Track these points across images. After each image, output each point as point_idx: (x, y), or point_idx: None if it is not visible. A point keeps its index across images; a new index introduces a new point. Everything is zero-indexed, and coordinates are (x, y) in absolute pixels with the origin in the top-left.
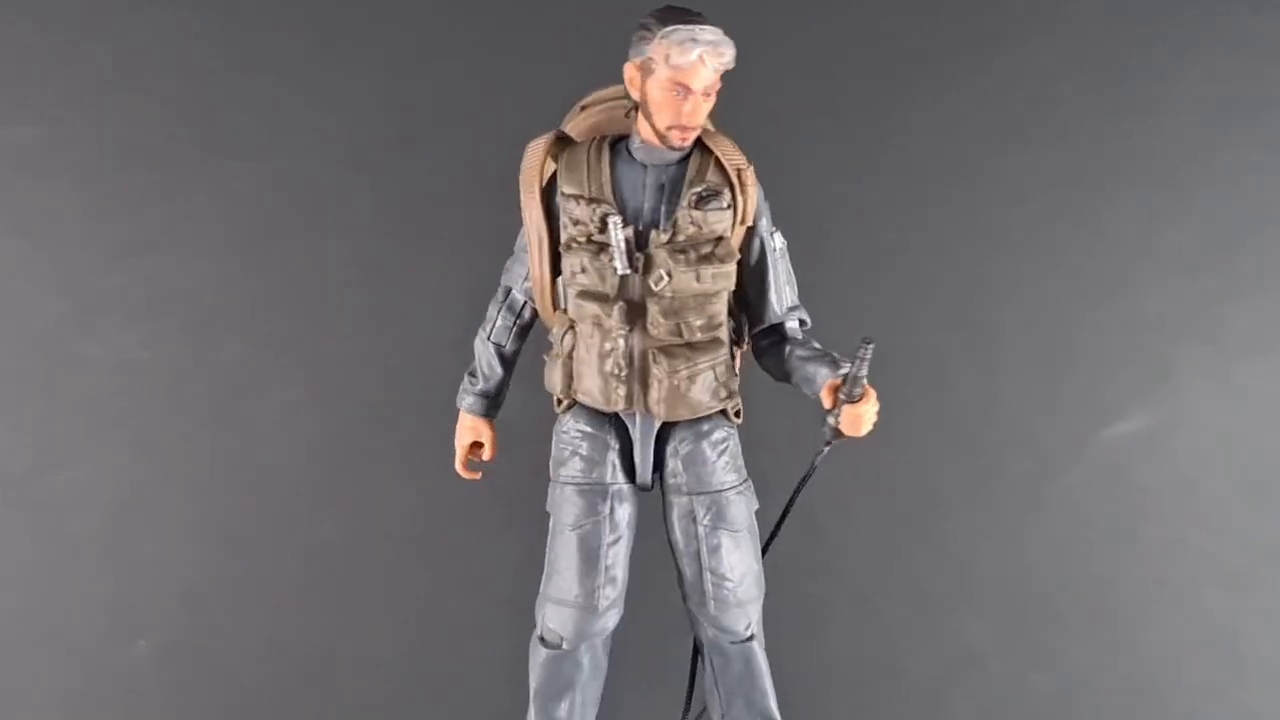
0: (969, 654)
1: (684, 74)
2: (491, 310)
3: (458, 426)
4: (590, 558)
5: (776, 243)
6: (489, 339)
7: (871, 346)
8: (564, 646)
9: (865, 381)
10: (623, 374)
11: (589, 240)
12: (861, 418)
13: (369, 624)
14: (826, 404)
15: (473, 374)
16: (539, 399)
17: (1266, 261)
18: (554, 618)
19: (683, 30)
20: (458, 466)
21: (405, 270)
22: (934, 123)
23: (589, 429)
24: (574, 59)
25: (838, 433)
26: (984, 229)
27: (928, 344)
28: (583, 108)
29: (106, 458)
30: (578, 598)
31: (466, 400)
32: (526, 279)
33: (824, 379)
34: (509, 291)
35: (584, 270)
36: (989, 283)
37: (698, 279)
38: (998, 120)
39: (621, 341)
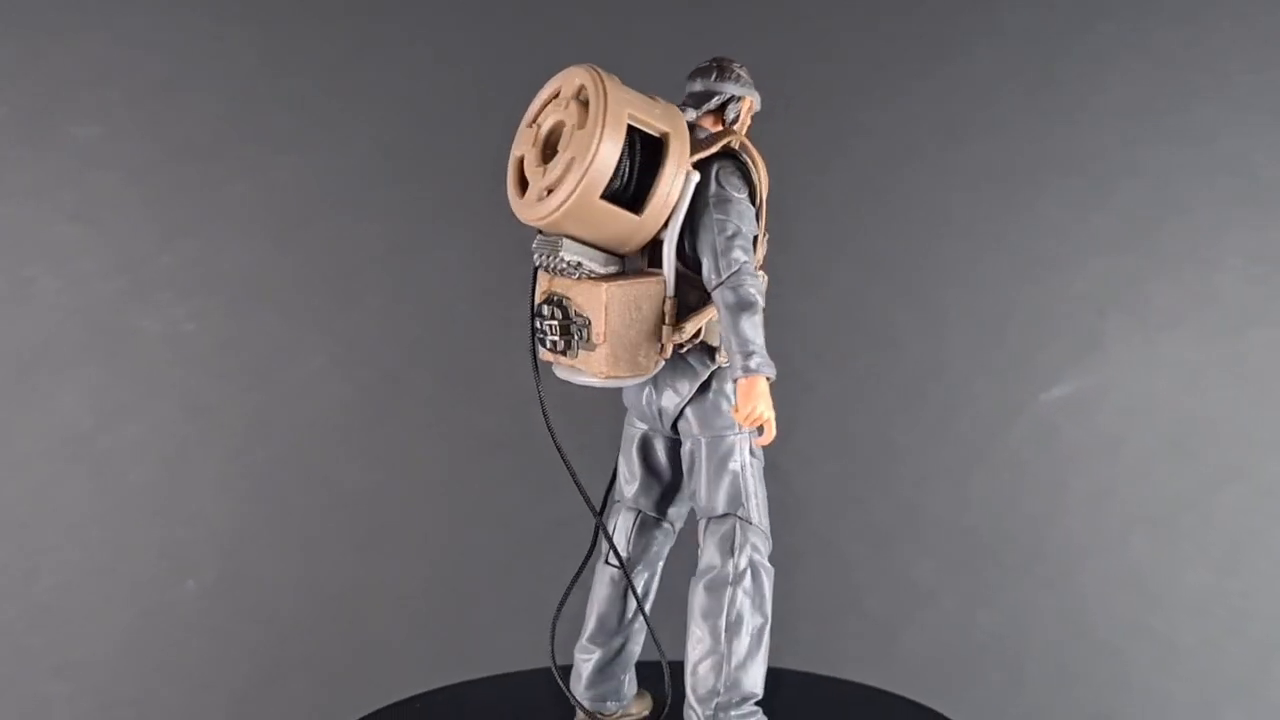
0: (921, 591)
1: None
2: (760, 285)
3: (768, 396)
4: None
5: None
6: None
7: None
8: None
9: None
10: None
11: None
12: None
13: (391, 564)
14: None
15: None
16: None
17: (1182, 243)
18: (769, 547)
19: None
20: (773, 435)
21: (423, 252)
22: (888, 121)
23: None
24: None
25: None
26: (932, 214)
27: (883, 316)
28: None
29: (159, 417)
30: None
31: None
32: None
33: None
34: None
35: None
36: (937, 262)
37: None
38: (944, 119)
39: None
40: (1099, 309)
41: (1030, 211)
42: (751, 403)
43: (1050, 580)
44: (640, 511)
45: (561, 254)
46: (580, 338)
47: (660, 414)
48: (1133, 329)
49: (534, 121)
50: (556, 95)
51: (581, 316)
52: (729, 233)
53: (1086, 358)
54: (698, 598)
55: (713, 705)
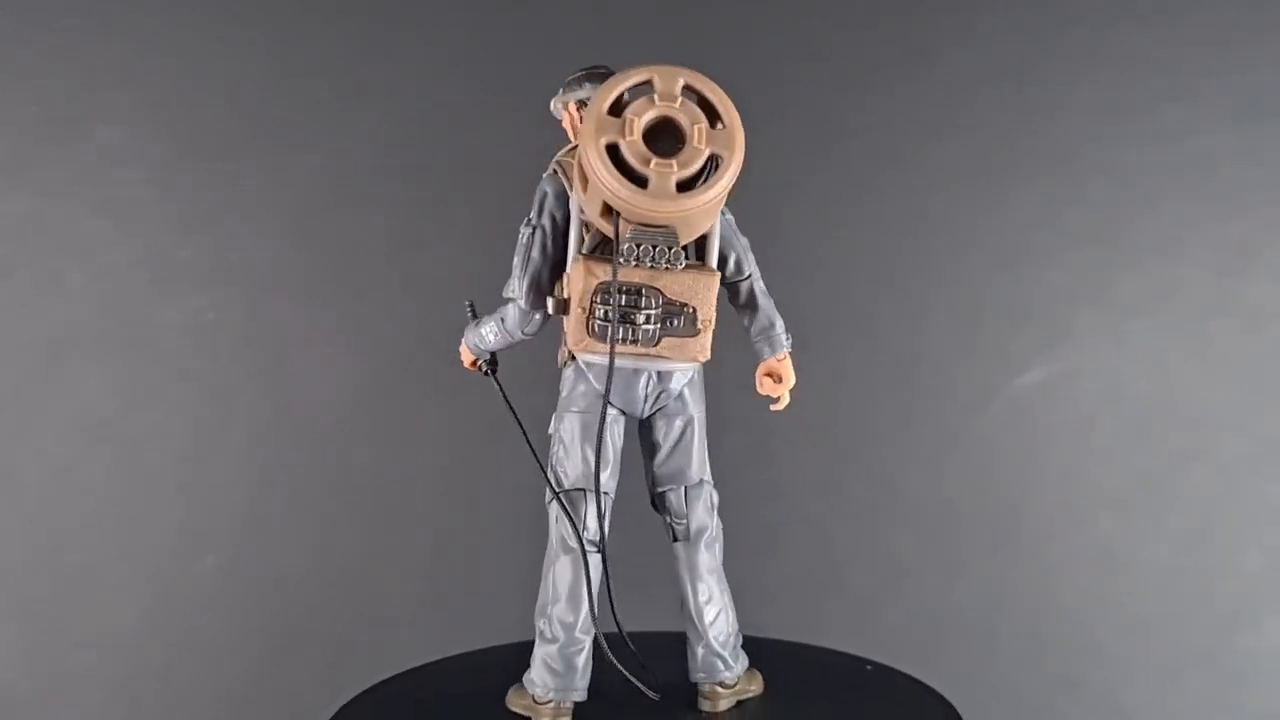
0: (901, 565)
1: None
2: None
3: None
4: None
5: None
6: None
7: (467, 303)
8: None
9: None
10: None
11: None
12: None
13: (399, 541)
14: None
15: None
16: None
17: (1148, 237)
18: None
19: None
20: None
21: (429, 245)
22: (872, 121)
23: None
24: (578, 66)
25: None
26: (913, 210)
27: (865, 305)
28: None
29: (179, 402)
30: None
31: None
32: None
33: None
34: None
35: None
36: (917, 255)
37: None
38: (924, 120)
39: None
40: (1069, 299)
41: (1005, 207)
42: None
43: (1023, 555)
44: (607, 494)
45: (679, 246)
46: (676, 325)
47: (658, 396)
48: (1102, 318)
49: (618, 111)
50: (639, 86)
51: (677, 304)
52: (739, 230)
53: (1058, 345)
54: (700, 557)
55: (729, 649)
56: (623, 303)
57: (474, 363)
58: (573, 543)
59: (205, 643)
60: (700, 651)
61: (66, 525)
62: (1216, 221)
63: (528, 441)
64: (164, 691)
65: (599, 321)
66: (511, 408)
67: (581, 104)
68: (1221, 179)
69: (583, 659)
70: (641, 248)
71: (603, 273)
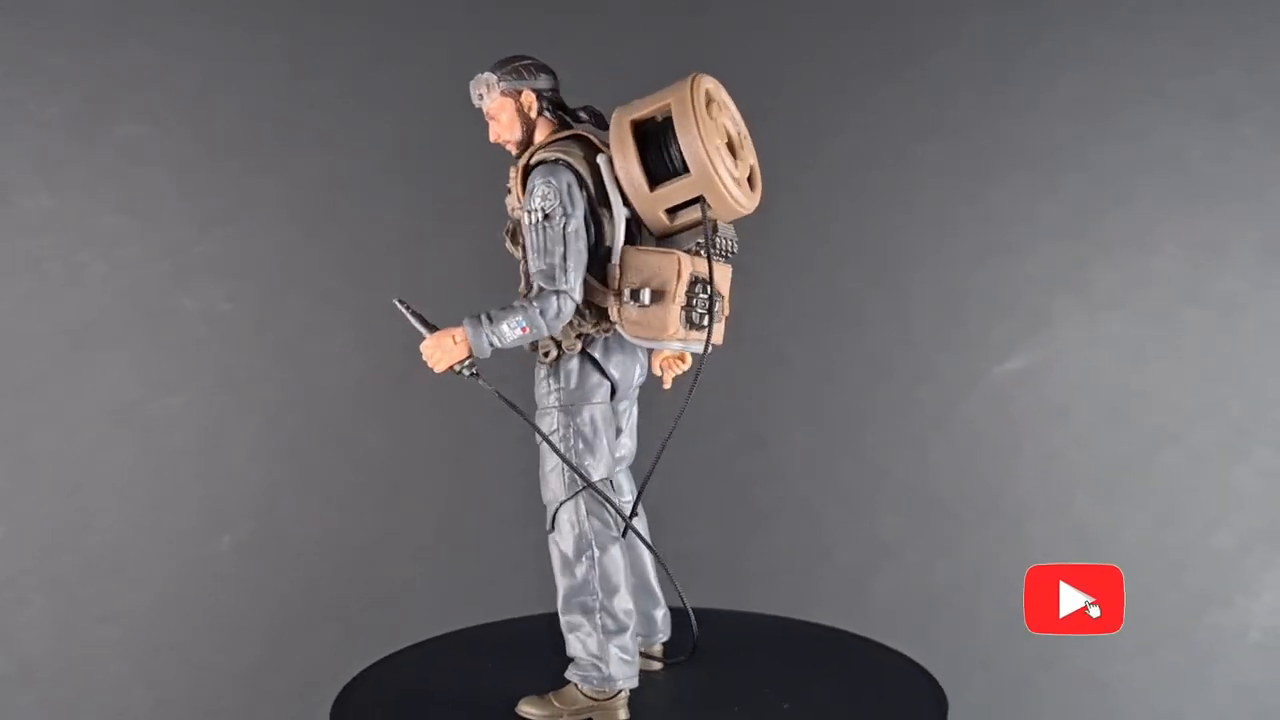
0: (887, 545)
1: None
2: None
3: None
4: None
5: (529, 220)
6: None
7: (397, 301)
8: None
9: (420, 330)
10: None
11: None
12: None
13: (408, 520)
14: None
15: None
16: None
17: (1121, 231)
18: None
19: None
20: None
21: (434, 239)
22: (858, 120)
23: None
24: (579, 69)
25: None
26: (898, 205)
27: (853, 297)
28: None
29: (198, 389)
30: None
31: None
32: None
33: None
34: None
35: None
36: (902, 248)
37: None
38: (908, 119)
39: None
40: (1047, 290)
41: (986, 202)
42: None
43: (1003, 535)
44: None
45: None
46: (717, 312)
47: (639, 379)
48: (1078, 308)
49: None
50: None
51: (718, 293)
52: None
53: (1037, 334)
54: (643, 526)
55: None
56: (717, 294)
57: (450, 365)
58: (616, 531)
59: (221, 618)
60: (659, 614)
61: (90, 506)
62: (1188, 216)
63: (544, 436)
64: (182, 664)
65: (697, 312)
66: (513, 405)
67: (539, 93)
68: (1193, 176)
69: (637, 642)
70: (727, 243)
71: (701, 266)
